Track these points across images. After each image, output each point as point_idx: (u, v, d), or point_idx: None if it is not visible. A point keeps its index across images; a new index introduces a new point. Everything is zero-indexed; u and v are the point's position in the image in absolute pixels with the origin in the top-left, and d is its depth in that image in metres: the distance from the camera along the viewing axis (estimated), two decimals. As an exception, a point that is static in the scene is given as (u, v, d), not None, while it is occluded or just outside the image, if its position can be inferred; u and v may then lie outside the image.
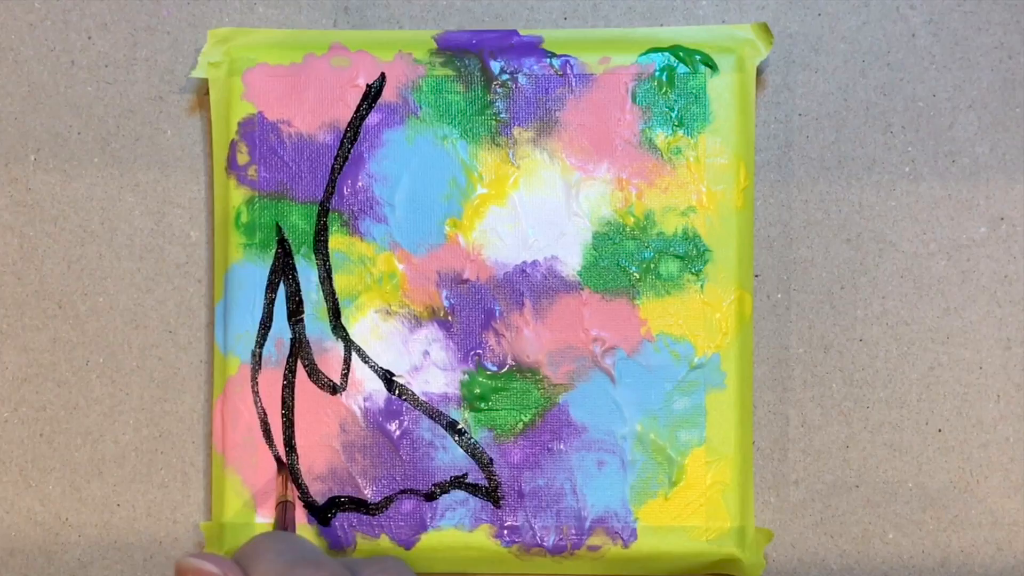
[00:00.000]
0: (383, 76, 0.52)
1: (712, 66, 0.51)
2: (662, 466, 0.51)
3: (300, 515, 0.52)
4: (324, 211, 0.52)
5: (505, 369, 0.52)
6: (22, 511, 0.53)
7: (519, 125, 0.52)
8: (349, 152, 0.52)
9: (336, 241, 0.52)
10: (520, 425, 0.52)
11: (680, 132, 0.51)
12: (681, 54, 0.51)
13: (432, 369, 0.52)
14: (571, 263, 0.52)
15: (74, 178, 0.54)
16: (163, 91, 0.53)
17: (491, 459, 0.52)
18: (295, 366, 0.52)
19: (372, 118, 0.52)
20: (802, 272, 0.53)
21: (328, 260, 0.52)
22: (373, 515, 0.52)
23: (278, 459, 0.51)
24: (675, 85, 0.51)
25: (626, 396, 0.51)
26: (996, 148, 0.53)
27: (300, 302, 0.52)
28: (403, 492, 0.52)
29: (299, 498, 0.52)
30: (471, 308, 0.52)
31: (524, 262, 0.52)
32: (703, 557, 0.51)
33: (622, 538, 0.51)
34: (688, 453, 0.51)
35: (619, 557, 0.51)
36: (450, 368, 0.52)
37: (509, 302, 0.52)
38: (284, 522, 0.49)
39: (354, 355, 0.52)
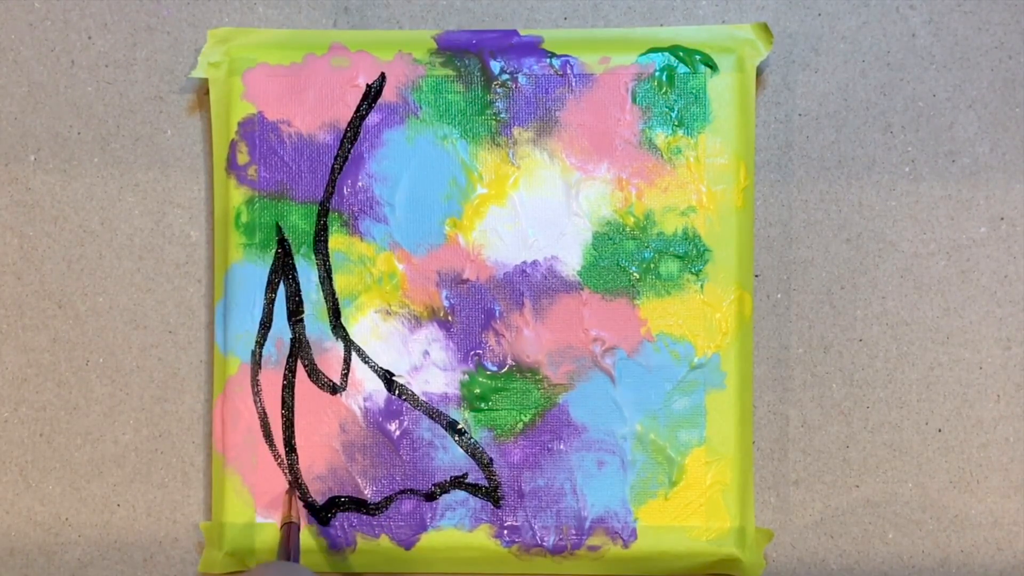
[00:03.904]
0: (383, 76, 0.52)
1: (712, 66, 0.51)
2: (662, 466, 0.51)
3: (301, 515, 0.52)
4: (324, 211, 0.52)
5: (505, 369, 0.52)
6: (22, 511, 0.53)
7: (519, 125, 0.52)
8: (349, 152, 0.52)
9: (336, 241, 0.52)
10: (520, 425, 0.52)
11: (680, 132, 0.51)
12: (681, 54, 0.51)
13: (432, 369, 0.52)
14: (571, 263, 0.52)
15: (74, 178, 0.54)
16: (163, 91, 0.53)
17: (491, 459, 0.52)
18: (295, 366, 0.52)
19: (372, 118, 0.52)
20: (802, 272, 0.53)
21: (328, 260, 0.52)
22: (373, 515, 0.52)
23: (290, 483, 0.51)
24: (675, 85, 0.51)
25: (626, 396, 0.51)
26: (996, 148, 0.53)
27: (300, 302, 0.52)
28: (403, 492, 0.52)
29: (299, 498, 0.52)
30: (471, 308, 0.52)
31: (524, 262, 0.52)
32: (703, 557, 0.51)
33: (622, 538, 0.51)
34: (688, 453, 0.51)
35: (619, 557, 0.51)
36: (450, 368, 0.52)
37: (509, 302, 0.52)
38: (288, 544, 0.49)
39: (354, 355, 0.52)
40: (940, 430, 0.53)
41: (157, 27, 0.53)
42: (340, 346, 0.52)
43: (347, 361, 0.52)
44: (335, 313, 0.52)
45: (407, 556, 0.52)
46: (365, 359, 0.52)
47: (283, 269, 0.52)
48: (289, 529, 0.49)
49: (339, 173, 0.52)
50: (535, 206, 0.52)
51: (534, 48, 0.52)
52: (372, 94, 0.52)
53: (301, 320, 0.52)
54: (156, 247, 0.53)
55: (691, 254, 0.51)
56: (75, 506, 0.53)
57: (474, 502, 0.52)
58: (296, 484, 0.52)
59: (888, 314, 0.53)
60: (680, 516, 0.51)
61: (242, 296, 0.52)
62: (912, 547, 0.53)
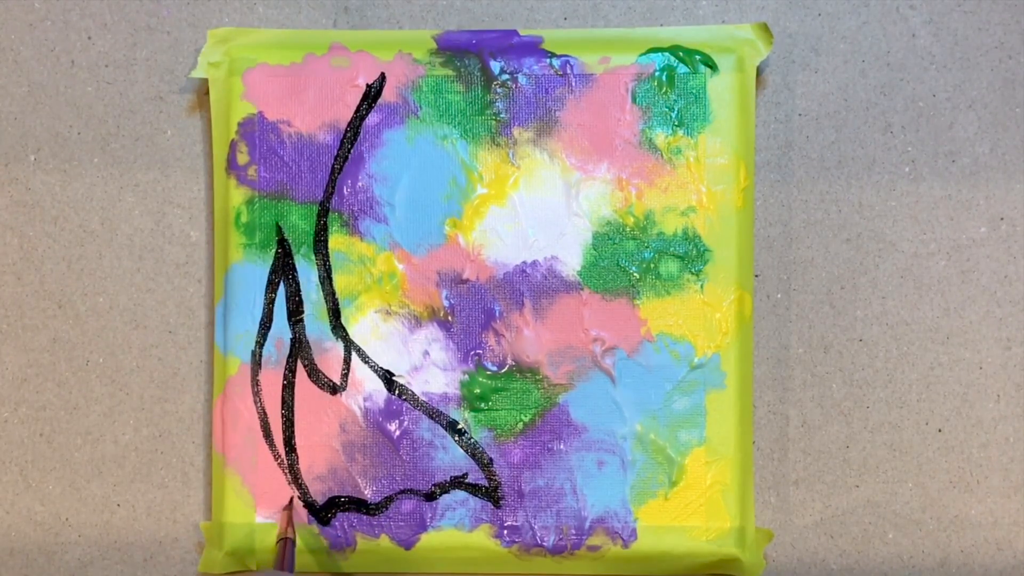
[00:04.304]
0: (383, 76, 0.52)
1: (712, 66, 0.51)
2: (662, 466, 0.51)
3: (301, 515, 0.52)
4: (324, 211, 0.52)
5: (505, 369, 0.52)
6: (22, 511, 0.53)
7: (519, 125, 0.52)
8: (349, 152, 0.52)
9: (336, 241, 0.52)
10: (520, 425, 0.52)
11: (680, 132, 0.51)
12: (681, 54, 0.51)
13: (432, 369, 0.52)
14: (571, 263, 0.52)
15: (74, 178, 0.54)
16: (163, 91, 0.53)
17: (491, 459, 0.52)
18: (295, 366, 0.52)
19: (372, 118, 0.52)
20: (802, 272, 0.53)
21: (328, 260, 0.52)
22: (373, 515, 0.52)
23: (290, 499, 0.52)
24: (675, 85, 0.51)
25: (626, 396, 0.51)
26: (996, 148, 0.53)
27: (300, 302, 0.52)
28: (403, 492, 0.52)
29: (299, 498, 0.52)
30: (471, 308, 0.52)
31: (524, 262, 0.52)
32: (703, 557, 0.51)
33: (622, 538, 0.51)
34: (688, 453, 0.51)
35: (619, 557, 0.51)
36: (450, 368, 0.52)
37: (509, 302, 0.52)
38: (283, 559, 0.49)
39: (354, 355, 0.52)
40: (940, 430, 0.53)
41: (157, 27, 0.53)
42: (340, 346, 0.52)
43: (347, 361, 0.52)
44: (335, 313, 0.52)
45: (407, 556, 0.52)
46: (365, 359, 0.52)
47: (283, 269, 0.52)
48: (285, 544, 0.50)
49: (339, 173, 0.52)
50: (535, 206, 0.52)
51: (534, 48, 0.52)
52: (372, 94, 0.52)
53: (301, 320, 0.52)
54: (156, 247, 0.53)
55: (691, 254, 0.51)
56: (75, 506, 0.53)
57: (474, 502, 0.52)
58: (296, 484, 0.52)
59: (888, 314, 0.53)
60: (680, 516, 0.51)
61: (242, 296, 0.52)
62: (912, 547, 0.53)
